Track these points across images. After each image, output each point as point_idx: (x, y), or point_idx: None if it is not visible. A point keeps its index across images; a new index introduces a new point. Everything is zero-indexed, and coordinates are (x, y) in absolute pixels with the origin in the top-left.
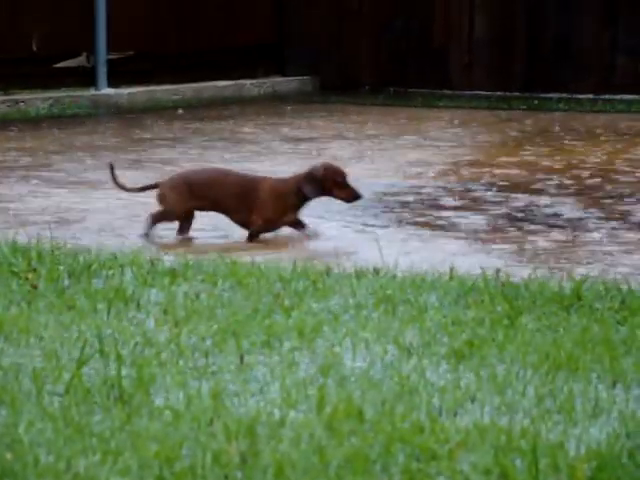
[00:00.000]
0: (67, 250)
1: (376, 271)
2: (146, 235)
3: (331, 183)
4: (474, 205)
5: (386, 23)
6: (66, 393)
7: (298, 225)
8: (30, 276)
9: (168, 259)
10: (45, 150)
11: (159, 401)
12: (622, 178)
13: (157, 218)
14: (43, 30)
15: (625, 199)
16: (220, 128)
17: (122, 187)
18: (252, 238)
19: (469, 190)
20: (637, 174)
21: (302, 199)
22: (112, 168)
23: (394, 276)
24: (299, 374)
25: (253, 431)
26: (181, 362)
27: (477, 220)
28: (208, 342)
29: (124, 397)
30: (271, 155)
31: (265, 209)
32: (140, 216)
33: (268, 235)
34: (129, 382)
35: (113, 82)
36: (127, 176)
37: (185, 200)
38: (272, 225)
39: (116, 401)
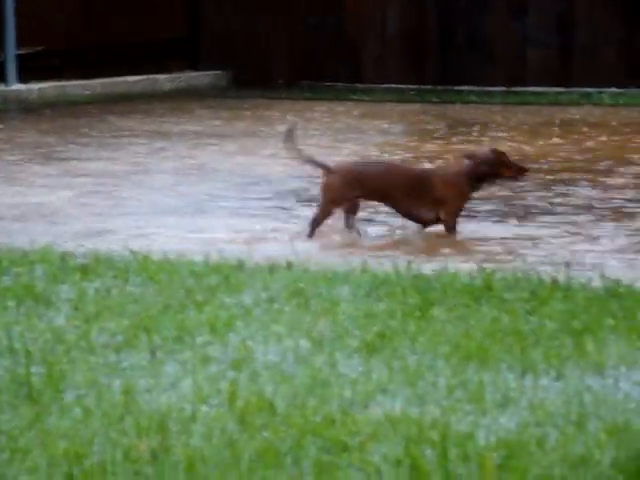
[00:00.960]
0: None
1: (289, 265)
2: (311, 235)
3: (500, 164)
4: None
5: (300, 17)
6: None
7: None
8: None
9: (79, 254)
10: None
11: (69, 398)
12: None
13: (323, 212)
14: None
15: (524, 191)
16: (126, 124)
17: (294, 150)
18: (451, 230)
19: None
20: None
21: (476, 185)
22: (292, 130)
23: (307, 270)
24: (211, 369)
25: (164, 427)
26: (92, 358)
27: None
28: (119, 338)
29: (33, 395)
30: (177, 150)
31: (451, 201)
32: (55, 214)
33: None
34: (39, 379)
35: (23, 78)
36: (35, 170)
37: (352, 189)
38: (458, 214)
39: (25, 399)
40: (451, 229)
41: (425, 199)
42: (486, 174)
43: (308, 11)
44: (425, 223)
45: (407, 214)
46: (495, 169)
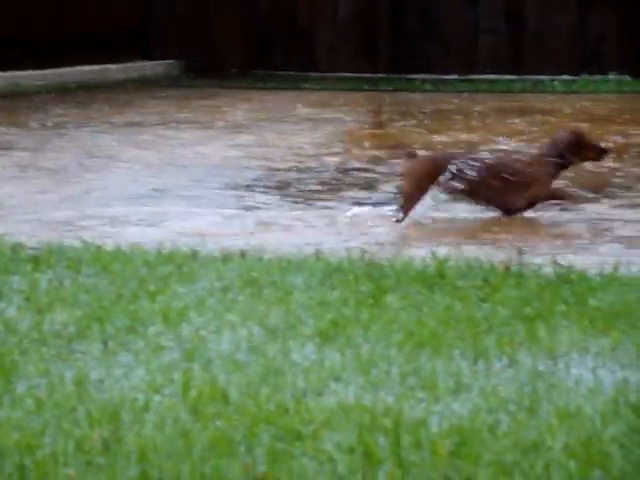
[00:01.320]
0: None
1: (242, 254)
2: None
3: (582, 146)
4: (339, 186)
5: (252, 5)
6: None
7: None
8: None
9: (30, 245)
10: None
11: (21, 389)
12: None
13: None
14: None
15: None
16: (77, 114)
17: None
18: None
19: (339, 171)
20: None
21: (560, 169)
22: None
23: (260, 258)
24: (164, 358)
25: (117, 417)
26: (44, 349)
27: (342, 204)
28: (71, 329)
29: None
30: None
31: (535, 186)
32: (4, 205)
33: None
34: None
35: None
36: None
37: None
38: (543, 199)
39: None
40: (562, 200)
41: (514, 187)
42: (570, 157)
43: None
44: (513, 211)
45: (499, 204)
46: (578, 151)
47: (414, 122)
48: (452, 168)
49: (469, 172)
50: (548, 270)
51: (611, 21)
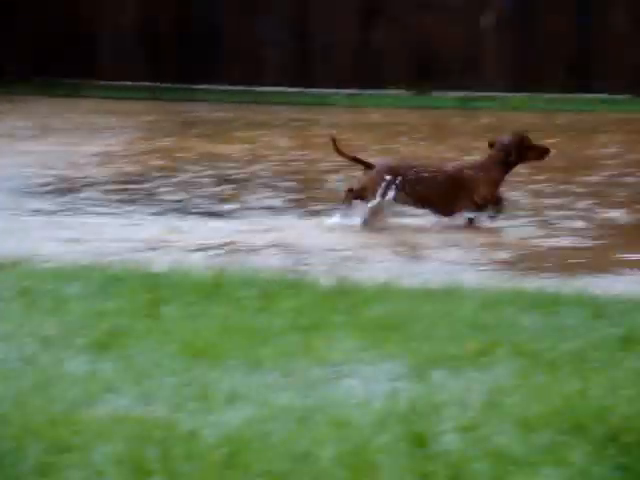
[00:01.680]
0: None
1: (14, 263)
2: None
3: (525, 147)
4: (131, 197)
5: (33, 11)
6: None
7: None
8: None
9: None
10: None
11: None
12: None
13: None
14: None
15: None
16: None
17: (339, 151)
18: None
19: (123, 182)
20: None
21: (505, 171)
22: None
23: (34, 268)
24: None
25: None
26: None
27: (127, 212)
28: None
29: None
30: None
31: (482, 188)
32: None
33: None
34: None
35: None
36: None
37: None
38: (490, 201)
39: None
40: (495, 212)
41: (461, 194)
42: (515, 158)
43: (46, 6)
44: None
45: (447, 212)
46: (523, 152)
47: (195, 132)
48: (399, 178)
49: (412, 183)
50: (326, 281)
51: (392, 37)
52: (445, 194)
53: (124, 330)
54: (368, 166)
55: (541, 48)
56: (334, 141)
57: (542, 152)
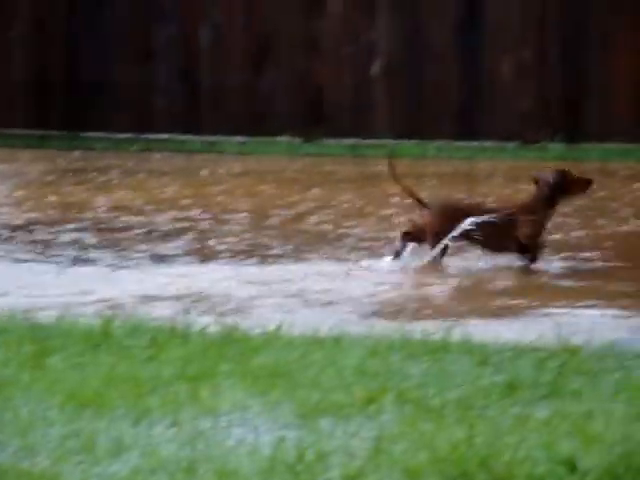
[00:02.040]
0: None
1: None
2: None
3: (569, 182)
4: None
5: None
6: None
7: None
8: None
9: None
10: None
11: None
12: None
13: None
14: None
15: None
16: None
17: (398, 181)
18: (533, 260)
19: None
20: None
21: (552, 208)
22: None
23: None
24: None
25: None
26: None
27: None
28: None
29: None
30: None
31: (529, 229)
32: None
33: None
34: None
35: None
36: None
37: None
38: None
39: None
40: (533, 258)
41: (508, 234)
42: (559, 196)
43: None
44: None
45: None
46: (567, 188)
47: (81, 180)
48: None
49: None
50: (214, 329)
51: (281, 82)
52: (499, 235)
53: (9, 381)
54: (424, 205)
55: (429, 96)
56: (392, 166)
57: (586, 184)
